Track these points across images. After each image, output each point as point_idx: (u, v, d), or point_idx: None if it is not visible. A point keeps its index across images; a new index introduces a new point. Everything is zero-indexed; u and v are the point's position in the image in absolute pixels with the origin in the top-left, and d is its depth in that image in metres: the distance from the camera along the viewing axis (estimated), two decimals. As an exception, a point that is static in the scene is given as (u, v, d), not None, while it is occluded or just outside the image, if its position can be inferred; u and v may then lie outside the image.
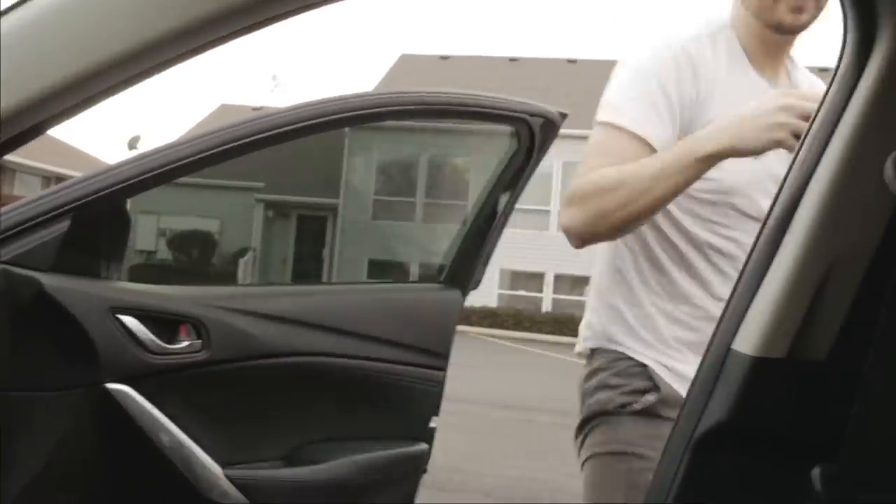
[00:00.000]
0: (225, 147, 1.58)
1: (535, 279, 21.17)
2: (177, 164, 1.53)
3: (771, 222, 0.85)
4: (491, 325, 19.20)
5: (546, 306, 20.76)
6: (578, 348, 1.74)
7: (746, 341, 0.84)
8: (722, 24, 1.54)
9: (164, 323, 1.65)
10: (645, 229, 1.53)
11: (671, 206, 1.47)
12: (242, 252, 20.43)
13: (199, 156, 1.55)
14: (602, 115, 1.52)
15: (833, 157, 0.81)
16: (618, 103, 1.48)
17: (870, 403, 0.78)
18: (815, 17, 1.44)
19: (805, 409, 0.84)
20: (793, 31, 1.47)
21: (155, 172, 1.52)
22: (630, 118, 1.44)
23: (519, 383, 10.75)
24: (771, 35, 1.48)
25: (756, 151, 1.29)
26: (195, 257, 19.15)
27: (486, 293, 19.96)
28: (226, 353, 1.66)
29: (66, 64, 0.64)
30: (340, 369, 1.77)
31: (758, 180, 1.46)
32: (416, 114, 2.06)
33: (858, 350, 0.79)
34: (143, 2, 0.64)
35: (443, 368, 1.89)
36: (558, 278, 20.96)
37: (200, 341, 1.65)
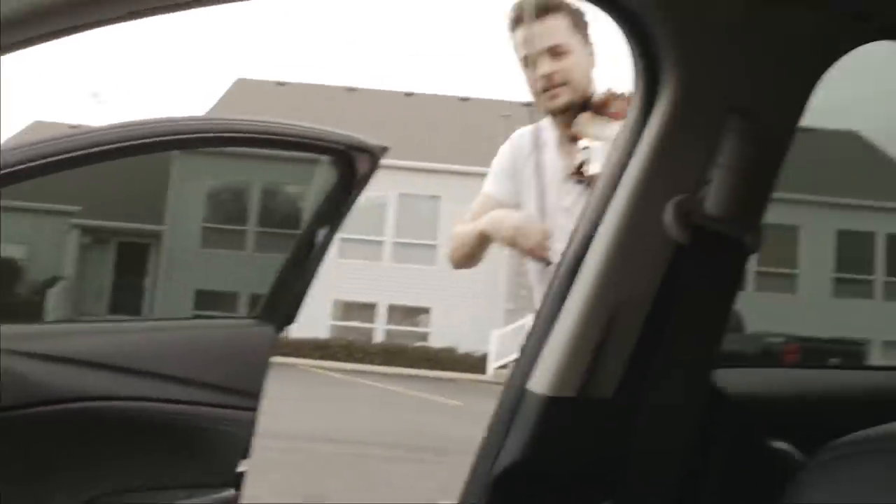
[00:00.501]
0: (29, 164, 1.43)
1: (368, 310, 21.09)
2: None
3: (562, 268, 0.87)
4: (322, 357, 18.84)
5: (378, 337, 20.72)
6: None
7: (540, 381, 0.85)
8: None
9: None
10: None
11: None
12: (52, 282, 18.89)
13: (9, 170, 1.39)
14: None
15: (619, 205, 0.84)
16: (488, 176, 2.09)
17: (647, 439, 0.80)
18: (573, 97, 1.88)
19: (594, 446, 0.85)
20: (557, 112, 1.91)
21: None
22: (487, 185, 2.07)
23: (348, 416, 10.58)
24: (554, 118, 1.95)
25: (504, 245, 1.90)
26: (-5, 286, 17.48)
27: (318, 324, 19.63)
28: (3, 400, 1.49)
29: None
30: (137, 413, 1.64)
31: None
32: (233, 142, 1.98)
33: (640, 387, 0.82)
34: None
35: (253, 409, 1.80)
36: (392, 309, 21.01)
37: (-28, 387, 1.47)
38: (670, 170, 0.83)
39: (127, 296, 19.83)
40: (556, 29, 1.88)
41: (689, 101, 0.81)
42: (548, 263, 1.84)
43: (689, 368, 0.80)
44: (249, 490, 1.79)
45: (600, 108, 1.87)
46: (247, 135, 1.90)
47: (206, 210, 20.67)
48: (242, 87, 23.86)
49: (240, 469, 1.80)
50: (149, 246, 20.75)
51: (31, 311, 17.26)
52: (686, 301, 0.80)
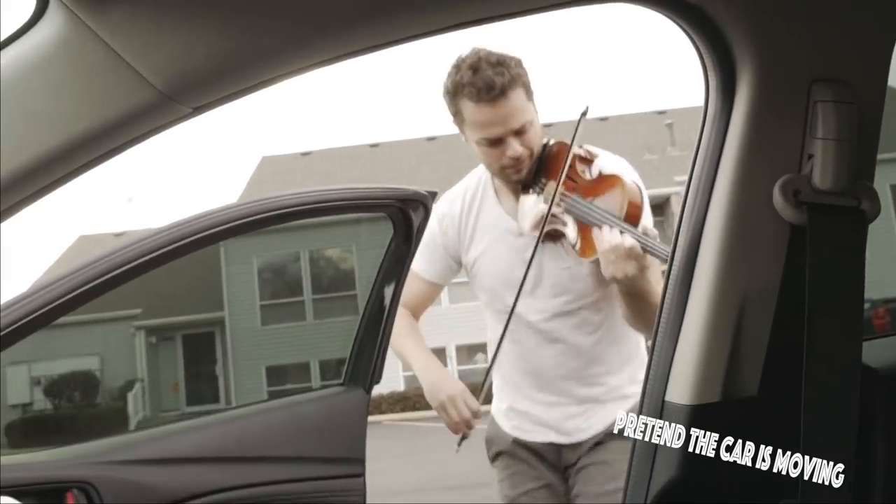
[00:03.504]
0: (102, 279, 1.46)
1: (439, 354, 20.97)
2: (52, 304, 1.39)
3: (675, 271, 0.85)
4: (403, 409, 18.86)
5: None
6: None
7: (679, 391, 0.82)
8: (486, 175, 2.04)
9: (47, 494, 1.48)
10: None
11: None
12: (129, 386, 19.32)
13: (77, 292, 1.43)
14: None
15: (722, 198, 0.82)
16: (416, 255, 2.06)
17: (814, 429, 0.76)
18: (531, 161, 1.89)
19: (752, 447, 0.82)
20: (521, 182, 1.93)
21: (28, 319, 1.37)
22: (416, 264, 2.01)
23: (455, 461, 10.44)
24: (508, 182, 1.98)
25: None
26: (78, 401, 17.93)
27: (393, 378, 19.68)
28: None
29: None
30: (252, 501, 1.64)
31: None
32: (287, 217, 1.99)
33: (787, 379, 0.78)
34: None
35: (360, 474, 1.79)
36: (460, 349, 20.93)
37: (91, 506, 1.48)
38: (767, 154, 0.81)
39: (201, 385, 20.17)
40: (518, 108, 1.82)
41: (772, 82, 0.79)
42: (463, 438, 2.01)
43: (837, 348, 0.77)
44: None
45: (556, 161, 1.89)
46: (299, 208, 1.91)
47: (261, 288, 20.99)
48: (268, 165, 24.33)
49: (359, 538, 1.78)
50: (213, 334, 21.13)
51: (115, 417, 17.66)
52: (816, 281, 0.77)
